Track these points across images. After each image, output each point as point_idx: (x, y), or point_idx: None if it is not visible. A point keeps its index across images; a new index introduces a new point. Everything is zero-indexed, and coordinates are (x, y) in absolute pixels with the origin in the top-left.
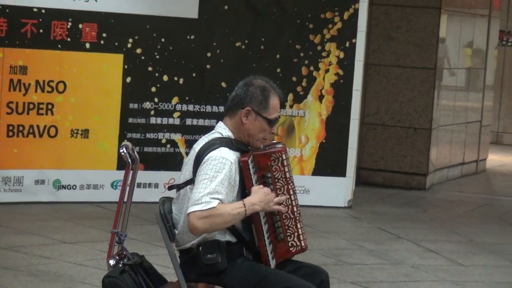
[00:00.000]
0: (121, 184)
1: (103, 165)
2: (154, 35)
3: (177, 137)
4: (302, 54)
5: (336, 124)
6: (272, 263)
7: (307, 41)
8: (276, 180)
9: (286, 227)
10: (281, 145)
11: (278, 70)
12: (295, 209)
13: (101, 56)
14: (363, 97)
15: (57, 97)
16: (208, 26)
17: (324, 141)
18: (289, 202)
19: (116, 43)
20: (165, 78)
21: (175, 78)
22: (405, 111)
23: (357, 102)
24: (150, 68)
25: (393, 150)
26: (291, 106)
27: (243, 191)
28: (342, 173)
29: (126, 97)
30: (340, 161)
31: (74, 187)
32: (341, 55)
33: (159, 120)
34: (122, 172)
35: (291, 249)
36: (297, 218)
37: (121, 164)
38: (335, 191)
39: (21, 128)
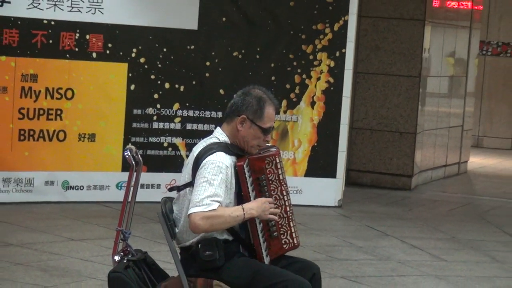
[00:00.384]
0: (126, 185)
1: (108, 167)
2: (157, 45)
3: (178, 140)
4: (295, 63)
5: (327, 129)
6: (267, 260)
7: (299, 51)
8: (270, 182)
9: (280, 226)
10: (275, 149)
11: (273, 78)
12: (288, 209)
13: (107, 65)
14: (352, 103)
15: (65, 104)
16: (207, 37)
17: (315, 144)
18: (282, 202)
19: (121, 53)
20: (167, 85)
21: (176, 86)
22: (392, 117)
23: (346, 108)
24: (152, 76)
25: (380, 153)
26: (284, 112)
27: (239, 194)
28: (333, 175)
29: (130, 104)
30: (330, 163)
31: (81, 187)
32: (332, 64)
33: (161, 125)
34: (127, 174)
35: (284, 246)
36: (290, 217)
37: (126, 166)
38: (326, 191)
39: (32, 133)
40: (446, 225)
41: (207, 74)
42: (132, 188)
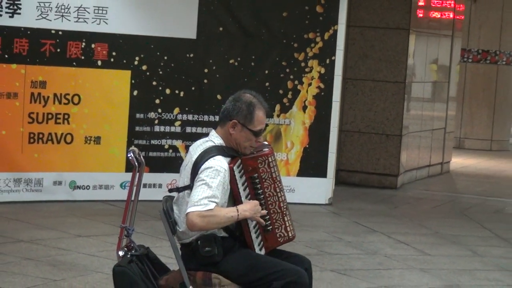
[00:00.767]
0: (129, 184)
1: (113, 168)
2: (158, 53)
3: (178, 143)
4: (287, 70)
5: (318, 131)
6: (261, 253)
7: (292, 59)
8: (263, 180)
9: (274, 221)
10: (268, 149)
11: (267, 84)
12: (281, 205)
13: (111, 72)
14: (342, 108)
15: (72, 108)
16: (205, 45)
17: (307, 146)
18: (276, 198)
19: (124, 61)
20: (168, 91)
21: (176, 91)
22: (379, 120)
23: (336, 112)
24: (154, 83)
25: (368, 154)
26: (278, 116)
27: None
28: (323, 174)
29: (133, 108)
30: (321, 164)
31: (87, 187)
32: (322, 71)
33: (162, 128)
34: (130, 174)
35: (279, 239)
36: (284, 212)
37: (129, 167)
38: (317, 190)
39: (41, 136)
40: (429, 221)
41: (205, 81)
42: (135, 188)
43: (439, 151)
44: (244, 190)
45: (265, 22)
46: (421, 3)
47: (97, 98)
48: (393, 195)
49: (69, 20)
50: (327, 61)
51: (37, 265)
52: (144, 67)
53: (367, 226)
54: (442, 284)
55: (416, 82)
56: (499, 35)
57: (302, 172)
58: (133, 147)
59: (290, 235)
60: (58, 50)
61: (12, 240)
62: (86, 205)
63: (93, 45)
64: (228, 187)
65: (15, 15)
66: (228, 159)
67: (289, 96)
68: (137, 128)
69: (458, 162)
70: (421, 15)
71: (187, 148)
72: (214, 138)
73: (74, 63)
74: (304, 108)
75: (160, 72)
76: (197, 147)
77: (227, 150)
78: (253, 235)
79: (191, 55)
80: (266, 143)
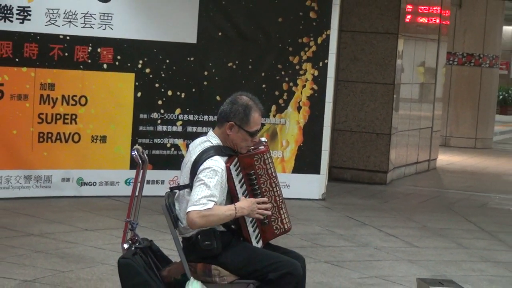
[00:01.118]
0: (133, 181)
1: (118, 165)
2: (160, 57)
3: (179, 141)
4: (283, 73)
5: (311, 130)
6: (259, 246)
7: (287, 62)
8: (260, 176)
9: (270, 214)
10: (263, 147)
11: (263, 86)
12: (277, 199)
13: (116, 75)
14: (334, 108)
15: (79, 109)
16: (205, 49)
17: (301, 144)
18: (272, 193)
19: (129, 64)
20: (170, 93)
21: (178, 93)
22: (369, 119)
23: (329, 112)
24: (157, 85)
25: (359, 152)
26: (274, 116)
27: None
28: (317, 171)
29: (137, 109)
30: (315, 161)
31: (94, 183)
32: (316, 73)
33: (164, 128)
34: (134, 171)
35: (275, 231)
36: (280, 206)
37: (133, 164)
38: (311, 186)
39: (50, 135)
40: (417, 215)
41: (205, 83)
42: (139, 184)
43: (426, 149)
44: (241, 187)
45: (262, 27)
46: (409, 9)
47: (103, 99)
48: (383, 191)
49: (76, 26)
50: (320, 64)
51: (46, 257)
52: (147, 70)
53: (358, 220)
54: (429, 275)
55: (404, 84)
56: (483, 39)
57: (297, 169)
58: (137, 146)
59: (286, 227)
60: (66, 54)
61: (23, 233)
62: (92, 200)
63: (99, 49)
64: (225, 186)
65: (25, 21)
66: (225, 158)
67: (285, 97)
68: (140, 128)
69: (444, 159)
70: (408, 20)
71: (188, 146)
72: (212, 138)
73: (81, 66)
74: (299, 108)
75: (163, 75)
76: (196, 147)
77: (224, 150)
78: (250, 229)
79: (192, 59)
80: (263, 139)
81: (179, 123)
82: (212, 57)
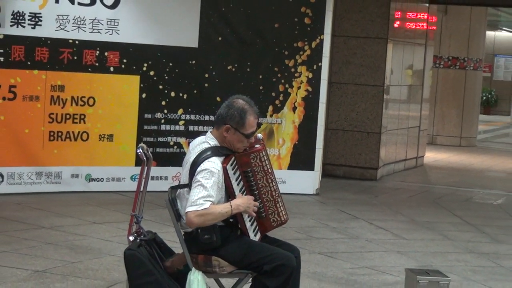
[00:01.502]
0: (138, 177)
1: (124, 162)
2: (164, 60)
3: (182, 140)
4: (279, 75)
5: (306, 129)
6: (257, 238)
7: (283, 65)
8: (256, 173)
9: (267, 208)
10: (259, 145)
11: (261, 87)
12: (274, 193)
13: (122, 77)
14: (327, 108)
15: (88, 109)
16: (206, 53)
17: (297, 142)
18: (268, 189)
19: (134, 67)
20: (172, 94)
21: (180, 94)
22: (360, 119)
23: (322, 112)
24: (160, 87)
25: (351, 149)
26: (271, 116)
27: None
28: (311, 168)
29: (142, 109)
30: (309, 158)
31: (101, 179)
32: (310, 75)
33: (168, 127)
34: (139, 168)
35: (273, 223)
36: (276, 200)
37: (138, 161)
38: (306, 181)
39: (60, 134)
40: (406, 209)
41: (206, 85)
42: (144, 180)
43: (414, 146)
44: (238, 184)
45: (259, 33)
46: (397, 16)
47: (110, 100)
48: (373, 186)
49: (85, 31)
50: (314, 67)
51: (56, 249)
52: (151, 73)
53: (350, 214)
54: (417, 265)
55: (393, 86)
56: (467, 44)
57: (292, 166)
58: (142, 144)
59: (282, 219)
60: (75, 57)
61: (34, 226)
62: (100, 195)
63: (106, 53)
64: (222, 185)
65: (36, 27)
66: (223, 158)
67: (281, 98)
68: (145, 127)
69: (431, 156)
70: (397, 26)
71: (190, 144)
72: (210, 140)
73: (89, 69)
74: (294, 108)
75: (166, 77)
76: (195, 147)
77: (221, 150)
78: (248, 224)
79: (193, 62)
80: (259, 135)
81: (181, 122)
82: (213, 61)
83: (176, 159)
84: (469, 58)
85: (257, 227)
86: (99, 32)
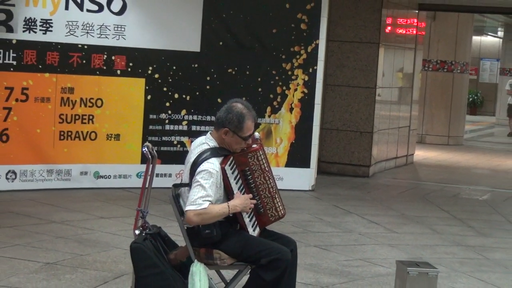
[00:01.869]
0: (144, 174)
1: (130, 160)
2: (168, 64)
3: (185, 139)
4: (277, 78)
5: (302, 129)
6: (256, 232)
7: (280, 68)
8: (254, 171)
9: (265, 204)
10: (256, 145)
11: (260, 89)
12: (271, 190)
13: (128, 80)
14: (322, 109)
15: (96, 110)
16: (208, 57)
17: (293, 141)
18: (266, 185)
19: (140, 70)
20: (176, 95)
21: (183, 96)
22: (353, 119)
23: (318, 112)
24: (165, 89)
25: (345, 148)
26: (269, 116)
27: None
28: (307, 165)
29: (147, 110)
30: (305, 156)
31: (109, 176)
32: (306, 78)
33: (171, 127)
34: (145, 166)
35: (271, 218)
36: (274, 196)
37: (144, 159)
38: (302, 178)
39: (69, 133)
40: (396, 204)
41: (207, 87)
42: (149, 177)
43: (404, 145)
44: (237, 183)
45: (258, 38)
46: (388, 21)
47: (116, 101)
48: (366, 183)
49: (93, 36)
50: (310, 70)
51: (66, 242)
52: (156, 76)
53: (344, 209)
54: (407, 257)
55: (385, 88)
56: (454, 48)
57: (289, 163)
58: (147, 143)
59: (280, 214)
60: (84, 61)
61: (45, 221)
62: (107, 191)
63: (113, 57)
64: (221, 185)
65: (47, 32)
66: (221, 158)
67: (278, 99)
68: (150, 127)
69: (420, 154)
70: (388, 31)
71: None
72: (209, 141)
73: (97, 72)
74: (291, 109)
75: (170, 80)
76: (196, 148)
77: (220, 151)
78: (246, 220)
79: (196, 65)
80: (257, 134)
81: (184, 122)
82: (214, 64)
83: (179, 157)
84: (456, 62)
85: (256, 222)
86: (106, 37)
